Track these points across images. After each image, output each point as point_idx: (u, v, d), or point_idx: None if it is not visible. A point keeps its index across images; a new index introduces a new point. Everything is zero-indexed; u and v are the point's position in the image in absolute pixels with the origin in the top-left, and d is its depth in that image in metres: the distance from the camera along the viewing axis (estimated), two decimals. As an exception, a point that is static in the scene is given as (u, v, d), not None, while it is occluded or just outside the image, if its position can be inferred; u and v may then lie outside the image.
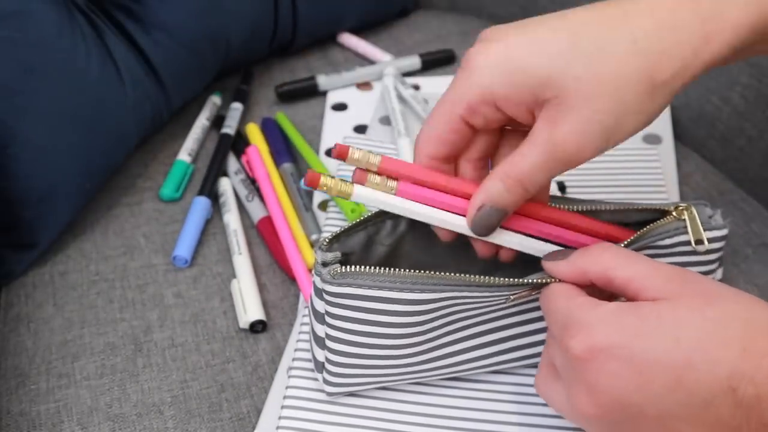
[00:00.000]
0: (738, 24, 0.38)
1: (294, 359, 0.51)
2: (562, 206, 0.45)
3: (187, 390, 0.52)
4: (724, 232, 0.47)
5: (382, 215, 0.46)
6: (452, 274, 0.42)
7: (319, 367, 0.47)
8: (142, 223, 0.63)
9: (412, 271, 0.42)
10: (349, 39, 0.80)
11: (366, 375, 0.46)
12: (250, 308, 0.55)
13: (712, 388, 0.34)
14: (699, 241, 0.45)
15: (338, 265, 0.43)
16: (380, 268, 0.42)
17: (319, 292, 0.44)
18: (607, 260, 0.39)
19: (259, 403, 0.51)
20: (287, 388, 0.49)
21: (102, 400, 0.52)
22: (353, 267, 0.42)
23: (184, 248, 0.60)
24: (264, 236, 0.61)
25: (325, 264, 0.43)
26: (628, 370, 0.35)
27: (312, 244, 0.59)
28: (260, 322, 0.55)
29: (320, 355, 0.46)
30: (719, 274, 0.50)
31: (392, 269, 0.42)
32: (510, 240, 0.43)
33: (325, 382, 0.47)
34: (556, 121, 0.38)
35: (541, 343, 0.48)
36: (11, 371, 0.54)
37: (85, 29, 0.61)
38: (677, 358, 0.35)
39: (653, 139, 0.67)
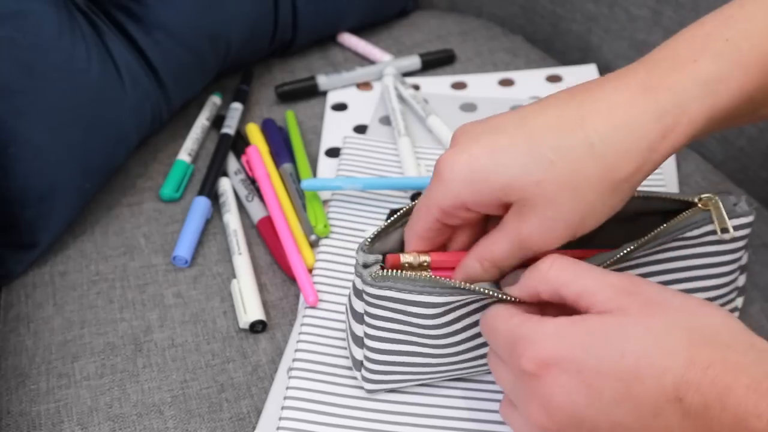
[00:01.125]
0: (695, 117, 0.39)
1: (294, 359, 0.51)
2: None
3: (187, 390, 0.52)
4: (750, 218, 0.47)
5: (411, 213, 0.47)
6: (477, 287, 0.42)
7: (357, 365, 0.47)
8: (142, 223, 0.63)
9: (450, 280, 0.42)
10: (349, 39, 0.80)
11: (404, 372, 0.47)
12: (250, 308, 0.55)
13: (659, 398, 0.34)
14: (724, 230, 0.46)
15: (378, 267, 0.43)
16: (419, 274, 0.42)
17: (359, 293, 0.44)
18: (554, 277, 0.39)
19: (259, 403, 0.51)
20: (287, 388, 0.49)
21: (102, 400, 0.52)
22: (393, 271, 0.43)
23: (184, 248, 0.60)
24: (264, 236, 0.61)
25: (366, 266, 0.43)
26: (578, 383, 0.36)
27: (312, 245, 0.59)
28: (260, 322, 0.55)
29: (358, 353, 0.47)
30: (745, 258, 0.50)
31: (432, 276, 0.42)
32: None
33: (364, 379, 0.48)
34: (522, 218, 0.40)
35: None
36: (11, 371, 0.54)
37: (85, 29, 0.61)
38: (624, 370, 0.35)
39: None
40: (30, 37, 0.58)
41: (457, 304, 0.43)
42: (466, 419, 0.48)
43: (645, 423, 0.35)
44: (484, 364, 0.48)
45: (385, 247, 0.46)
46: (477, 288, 0.42)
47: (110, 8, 0.66)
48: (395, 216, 0.46)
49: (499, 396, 0.49)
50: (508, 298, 0.41)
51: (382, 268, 0.43)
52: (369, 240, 0.44)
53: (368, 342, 0.46)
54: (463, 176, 0.40)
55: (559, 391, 0.36)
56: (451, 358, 0.46)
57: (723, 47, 0.39)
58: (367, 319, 0.45)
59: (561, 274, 0.39)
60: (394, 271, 0.43)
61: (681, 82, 0.39)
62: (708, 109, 0.39)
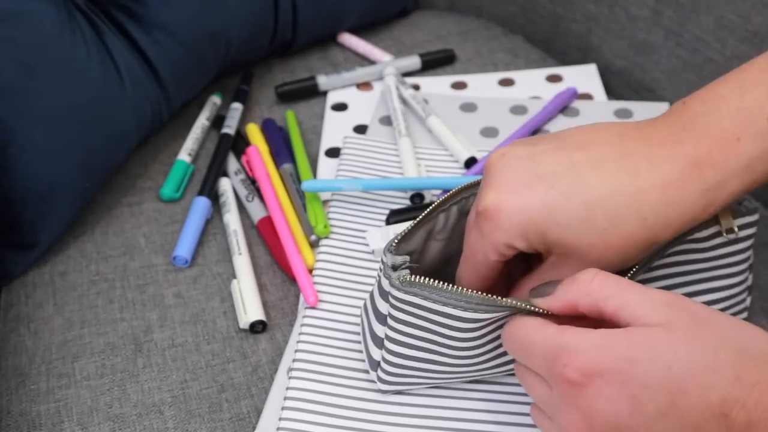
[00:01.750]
0: (732, 191, 0.42)
1: (294, 360, 0.51)
2: None
3: (187, 390, 0.52)
4: (755, 217, 0.48)
5: (436, 209, 0.47)
6: (506, 299, 0.42)
7: (374, 365, 0.47)
8: (142, 223, 0.63)
9: (477, 293, 0.42)
10: (349, 39, 0.80)
11: (421, 376, 0.47)
12: (250, 308, 0.55)
13: (704, 413, 0.35)
14: (729, 230, 0.47)
15: (408, 271, 0.43)
16: (447, 285, 0.42)
17: (385, 295, 0.44)
18: (596, 290, 0.39)
19: (259, 403, 0.51)
20: (287, 388, 0.49)
21: (102, 400, 0.52)
22: (422, 278, 0.42)
23: (184, 248, 0.60)
24: (264, 236, 0.61)
25: (394, 268, 0.43)
26: (623, 394, 0.36)
27: (312, 245, 0.59)
28: (260, 322, 0.55)
29: (376, 354, 0.47)
30: (752, 257, 0.50)
31: (459, 288, 0.42)
32: None
33: (379, 380, 0.48)
34: (565, 265, 0.43)
35: None
36: (11, 371, 0.54)
37: (85, 29, 0.61)
38: (670, 384, 0.35)
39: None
40: (30, 37, 0.58)
41: (485, 322, 0.43)
42: (465, 420, 0.48)
43: None
44: (499, 368, 0.48)
45: (408, 247, 0.46)
46: (506, 302, 0.41)
47: (110, 8, 0.66)
48: (420, 217, 0.46)
49: (499, 397, 0.49)
50: (540, 311, 0.41)
51: (412, 272, 0.43)
52: (395, 241, 0.44)
53: (388, 344, 0.45)
54: (519, 226, 0.42)
55: (603, 402, 0.36)
56: (469, 367, 0.46)
57: (764, 126, 0.41)
58: (390, 321, 0.44)
59: (603, 287, 0.39)
60: (424, 278, 0.42)
61: (725, 161, 0.41)
62: (746, 183, 0.42)
